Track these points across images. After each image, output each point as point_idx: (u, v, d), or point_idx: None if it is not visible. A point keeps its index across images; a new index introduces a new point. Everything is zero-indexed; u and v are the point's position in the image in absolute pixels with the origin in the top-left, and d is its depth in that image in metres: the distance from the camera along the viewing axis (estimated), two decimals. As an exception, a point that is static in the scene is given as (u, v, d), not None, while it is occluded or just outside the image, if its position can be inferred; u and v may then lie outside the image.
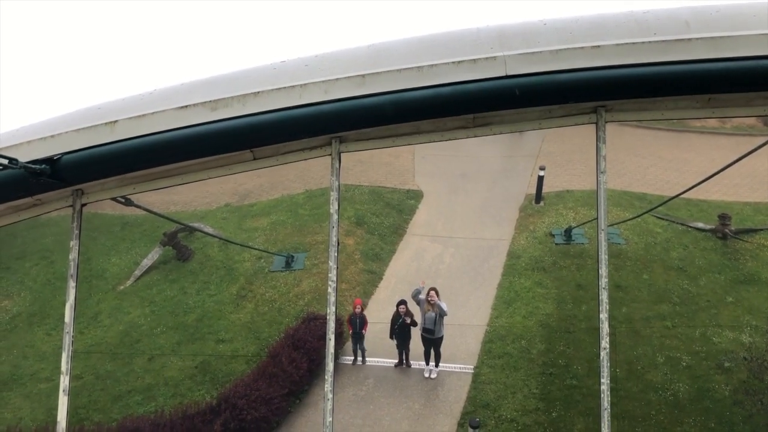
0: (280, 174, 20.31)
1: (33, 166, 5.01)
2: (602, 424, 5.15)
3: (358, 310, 13.32)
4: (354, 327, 13.34)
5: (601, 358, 5.17)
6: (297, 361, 13.19)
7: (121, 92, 5.44)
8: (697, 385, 12.39)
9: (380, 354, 13.82)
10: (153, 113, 5.16)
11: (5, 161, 4.74)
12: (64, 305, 5.52)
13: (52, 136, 5.23)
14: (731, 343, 13.22)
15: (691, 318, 13.91)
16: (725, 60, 4.77)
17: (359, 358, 13.72)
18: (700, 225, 16.87)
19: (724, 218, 16.42)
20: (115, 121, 5.19)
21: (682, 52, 4.79)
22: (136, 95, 5.40)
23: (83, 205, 5.61)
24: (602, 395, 5.14)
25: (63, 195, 5.59)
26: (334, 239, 5.43)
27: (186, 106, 5.14)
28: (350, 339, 13.71)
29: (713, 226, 16.59)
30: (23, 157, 5.03)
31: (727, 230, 16.30)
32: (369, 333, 13.68)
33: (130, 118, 5.19)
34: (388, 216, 18.65)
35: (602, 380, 5.14)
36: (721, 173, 12.19)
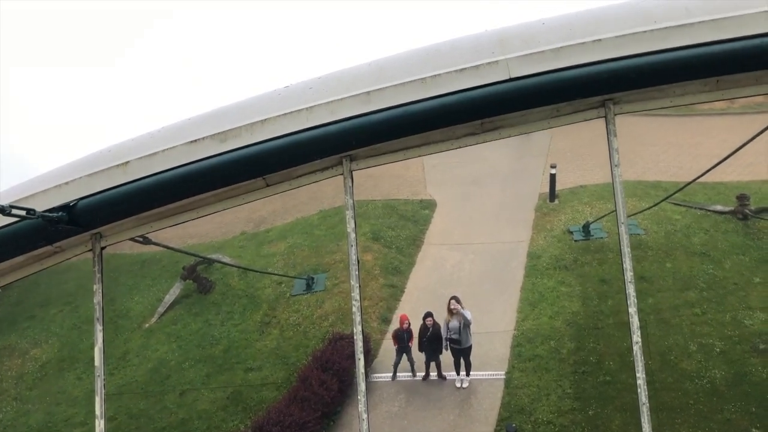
0: (293, 197, 20.34)
1: (50, 214, 5.07)
2: (642, 419, 5.08)
3: (405, 326, 13.28)
4: (401, 342, 13.33)
5: (635, 352, 5.10)
6: (327, 383, 13.15)
7: (130, 130, 5.48)
8: (733, 370, 12.18)
9: (409, 369, 13.74)
10: (163, 150, 5.21)
11: (23, 212, 4.80)
12: (92, 349, 5.55)
13: (67, 183, 5.29)
14: (764, 324, 12.99)
15: (720, 303, 13.71)
16: (729, 41, 4.74)
17: (415, 371, 13.65)
18: (719, 208, 16.67)
19: (742, 199, 16.22)
20: (127, 162, 5.24)
21: (685, 36, 4.77)
22: (145, 134, 5.46)
23: (103, 248, 5.66)
24: (639, 390, 5.07)
25: (82, 240, 5.64)
26: (354, 258, 5.42)
27: (195, 141, 5.18)
28: (395, 353, 13.59)
29: (732, 208, 16.38)
30: (40, 207, 5.09)
31: (746, 210, 16.10)
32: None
33: (141, 157, 5.24)
34: (403, 228, 18.60)
35: (638, 374, 5.07)
36: (735, 154, 12.07)
